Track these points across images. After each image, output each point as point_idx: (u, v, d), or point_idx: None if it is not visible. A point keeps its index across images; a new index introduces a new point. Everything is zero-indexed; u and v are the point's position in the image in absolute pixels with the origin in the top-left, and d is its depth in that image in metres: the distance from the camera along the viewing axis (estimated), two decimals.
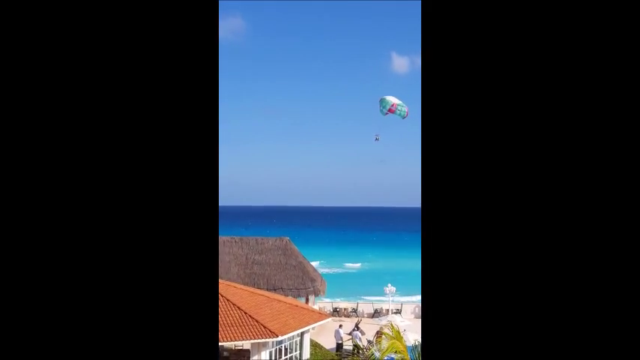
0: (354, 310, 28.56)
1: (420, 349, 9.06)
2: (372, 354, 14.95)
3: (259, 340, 15.24)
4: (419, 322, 18.45)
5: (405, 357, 9.16)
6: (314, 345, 19.14)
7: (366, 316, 27.74)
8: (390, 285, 26.99)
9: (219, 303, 16.19)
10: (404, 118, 19.11)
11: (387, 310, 27.30)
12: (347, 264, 59.80)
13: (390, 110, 18.73)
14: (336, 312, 27.85)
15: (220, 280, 19.01)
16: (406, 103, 19.13)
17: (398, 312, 26.92)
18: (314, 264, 28.78)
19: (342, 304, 29.83)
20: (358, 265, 59.97)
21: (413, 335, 15.78)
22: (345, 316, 27.62)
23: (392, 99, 18.88)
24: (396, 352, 9.08)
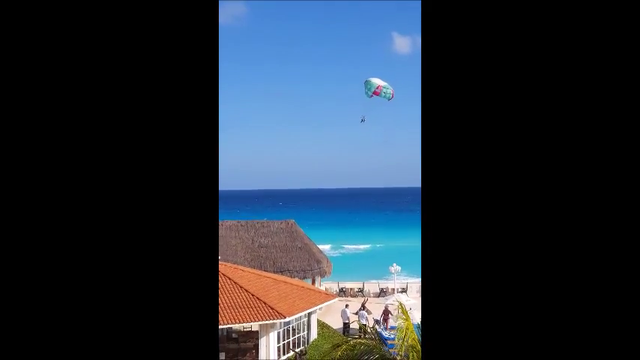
0: (360, 290, 28.86)
1: None
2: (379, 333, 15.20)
3: (267, 322, 15.49)
4: None
5: (414, 337, 9.31)
6: (321, 325, 19.43)
7: (372, 295, 28.04)
8: (395, 264, 27.22)
9: (228, 286, 16.43)
10: (389, 100, 19.15)
11: (393, 289, 27.58)
12: (352, 245, 60.12)
13: (374, 92, 18.77)
14: (342, 292, 28.16)
15: (228, 264, 19.25)
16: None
17: (404, 291, 27.18)
18: (320, 246, 28.99)
19: (348, 284, 30.12)
20: (363, 245, 60.31)
21: (419, 314, 16.01)
22: (352, 296, 27.93)
23: (377, 81, 18.89)
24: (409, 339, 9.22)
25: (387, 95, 18.93)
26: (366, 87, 18.90)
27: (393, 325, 19.01)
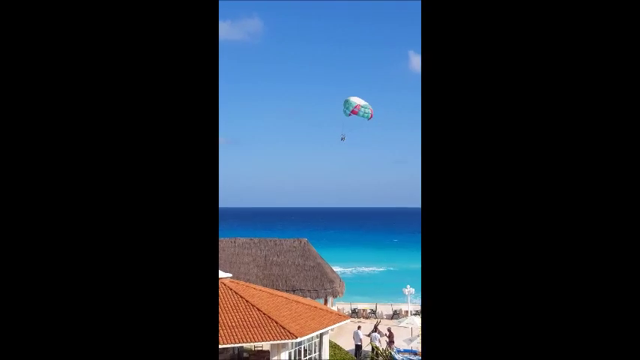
0: (373, 312, 28.45)
1: None
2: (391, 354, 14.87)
3: (279, 342, 15.28)
4: None
5: None
6: (333, 346, 19.14)
7: (385, 317, 27.62)
8: (408, 286, 26.83)
9: (240, 304, 16.29)
10: (369, 119, 19.37)
11: (407, 311, 27.15)
12: (365, 265, 59.61)
13: (352, 112, 19.00)
14: (354, 313, 27.79)
15: (240, 281, 19.12)
16: None
17: (417, 313, 26.73)
18: (332, 266, 28.74)
19: (361, 305, 29.74)
20: (377, 266, 59.75)
21: None
22: (364, 317, 27.54)
23: (356, 100, 19.23)
24: None
25: (366, 115, 19.23)
26: (344, 106, 19.31)
27: (399, 348, 18.67)
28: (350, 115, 19.20)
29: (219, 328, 15.05)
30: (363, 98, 19.41)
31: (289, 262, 26.19)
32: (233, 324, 15.23)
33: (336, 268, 31.15)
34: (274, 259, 26.36)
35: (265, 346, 16.46)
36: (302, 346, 16.79)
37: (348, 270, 53.18)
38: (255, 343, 15.89)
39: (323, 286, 25.15)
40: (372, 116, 19.43)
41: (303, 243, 27.51)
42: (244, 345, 15.98)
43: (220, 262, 24.24)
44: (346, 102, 19.29)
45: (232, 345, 15.19)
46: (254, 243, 27.34)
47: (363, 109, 19.11)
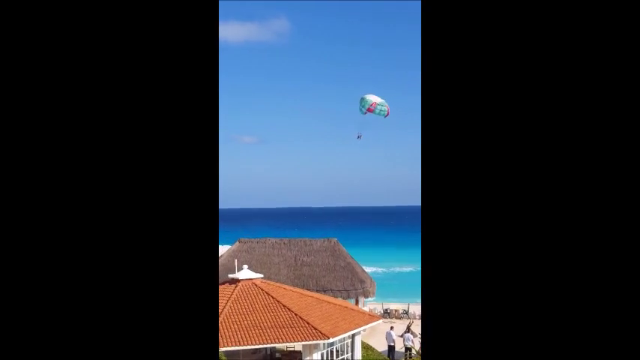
0: (406, 312, 28.13)
1: None
2: None
3: (310, 342, 15.21)
4: None
5: None
6: (365, 347, 18.95)
7: (417, 317, 27.25)
8: None
9: (271, 304, 16.28)
10: (385, 117, 19.03)
11: None
12: (396, 265, 59.16)
13: (368, 109, 18.68)
14: (386, 314, 27.53)
15: (270, 282, 19.15)
16: None
17: None
18: (363, 265, 28.53)
19: (393, 305, 29.44)
20: (407, 266, 59.20)
21: None
22: (397, 317, 27.25)
23: (372, 97, 18.89)
24: None
25: (382, 112, 18.92)
26: (360, 104, 19.01)
27: None
28: (366, 113, 19.01)
29: (252, 328, 15.07)
30: (385, 98, 19.18)
31: (319, 263, 26.10)
32: (265, 324, 15.23)
33: (367, 268, 30.94)
34: (304, 259, 26.32)
35: (297, 346, 16.41)
36: (334, 347, 16.66)
37: (379, 270, 52.85)
38: (287, 344, 15.85)
39: (354, 286, 24.97)
40: (388, 114, 19.19)
41: (333, 243, 27.39)
42: (276, 345, 15.96)
43: (251, 262, 24.36)
44: (362, 100, 19.11)
45: (264, 345, 15.17)
46: (284, 243, 27.37)
47: (379, 107, 18.90)
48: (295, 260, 26.31)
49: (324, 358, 16.29)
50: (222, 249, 31.07)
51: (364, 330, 18.41)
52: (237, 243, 27.39)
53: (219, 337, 14.45)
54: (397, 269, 57.64)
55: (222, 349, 14.23)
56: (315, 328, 15.30)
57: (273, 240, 27.63)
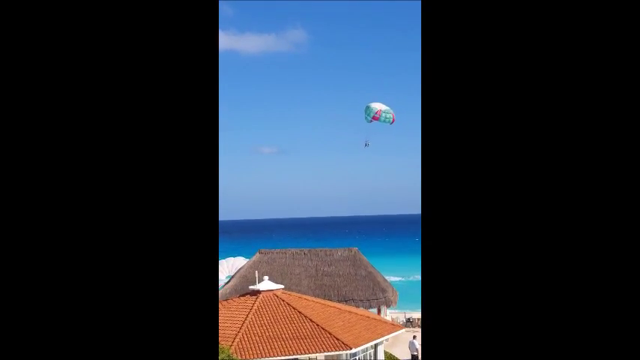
0: None
1: None
2: None
3: (333, 353, 15.13)
4: None
5: None
6: (388, 357, 18.78)
7: None
8: None
9: (293, 315, 16.26)
10: (391, 124, 18.98)
11: None
12: (419, 273, 58.61)
13: (374, 117, 18.62)
14: (409, 322, 27.26)
15: (292, 293, 19.13)
16: None
17: None
18: (384, 274, 28.34)
19: (416, 314, 29.13)
20: None
21: None
22: (419, 326, 26.96)
23: (377, 105, 18.87)
24: None
25: (388, 119, 18.87)
26: (365, 112, 19.02)
27: None
28: (371, 121, 19.06)
29: (273, 339, 15.06)
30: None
31: (340, 272, 26.00)
32: (287, 335, 15.21)
33: (388, 277, 30.72)
34: (325, 269, 26.25)
35: (320, 357, 16.33)
36: (357, 357, 16.55)
37: (400, 278, 52.40)
38: (310, 355, 15.79)
39: (375, 295, 24.80)
40: (394, 120, 19.19)
41: (353, 252, 27.28)
42: (299, 357, 15.92)
43: (272, 273, 24.39)
44: (367, 108, 19.18)
45: (287, 357, 15.15)
46: (304, 254, 27.34)
47: (384, 115, 18.91)
48: (316, 270, 26.26)
49: None
50: (242, 261, 31.18)
51: (387, 340, 18.25)
52: (258, 254, 27.46)
53: (242, 350, 14.48)
54: (419, 277, 57.06)
55: None
56: (338, 339, 15.22)
57: (294, 250, 27.64)
